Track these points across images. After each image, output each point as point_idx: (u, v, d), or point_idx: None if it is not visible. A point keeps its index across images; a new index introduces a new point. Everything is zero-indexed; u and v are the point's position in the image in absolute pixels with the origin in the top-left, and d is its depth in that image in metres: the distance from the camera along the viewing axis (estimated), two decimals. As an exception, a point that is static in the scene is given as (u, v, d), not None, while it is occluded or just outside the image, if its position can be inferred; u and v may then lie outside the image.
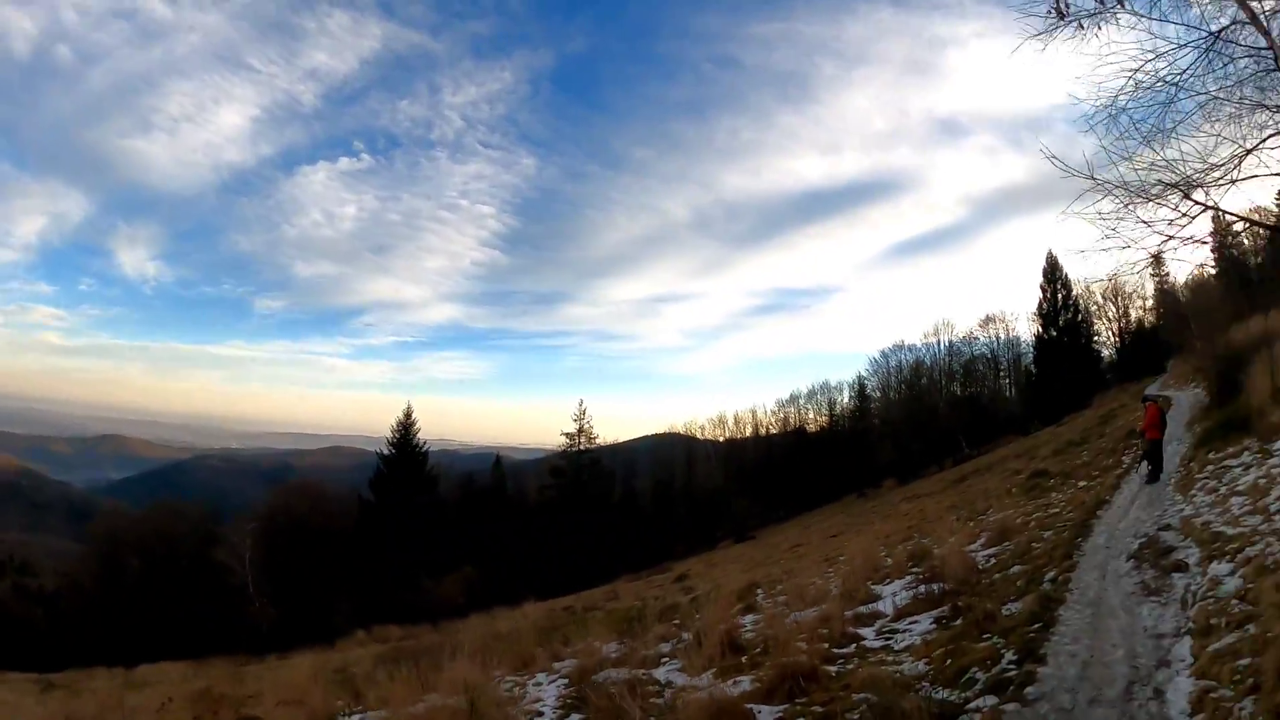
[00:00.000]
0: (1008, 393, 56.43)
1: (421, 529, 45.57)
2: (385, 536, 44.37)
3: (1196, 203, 4.83)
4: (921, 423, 53.30)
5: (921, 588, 8.98)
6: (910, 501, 31.80)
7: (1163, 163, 4.66)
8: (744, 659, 7.75)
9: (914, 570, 10.66)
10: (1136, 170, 4.71)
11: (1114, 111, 4.71)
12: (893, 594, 9.39)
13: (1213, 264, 44.75)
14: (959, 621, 7.40)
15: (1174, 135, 4.78)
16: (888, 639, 7.60)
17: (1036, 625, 6.87)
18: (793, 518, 50.41)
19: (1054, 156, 4.92)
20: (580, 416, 53.51)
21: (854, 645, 7.53)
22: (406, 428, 50.45)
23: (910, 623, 7.99)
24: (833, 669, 6.74)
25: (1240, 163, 4.72)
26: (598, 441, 55.26)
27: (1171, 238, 4.97)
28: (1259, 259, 44.41)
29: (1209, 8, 4.71)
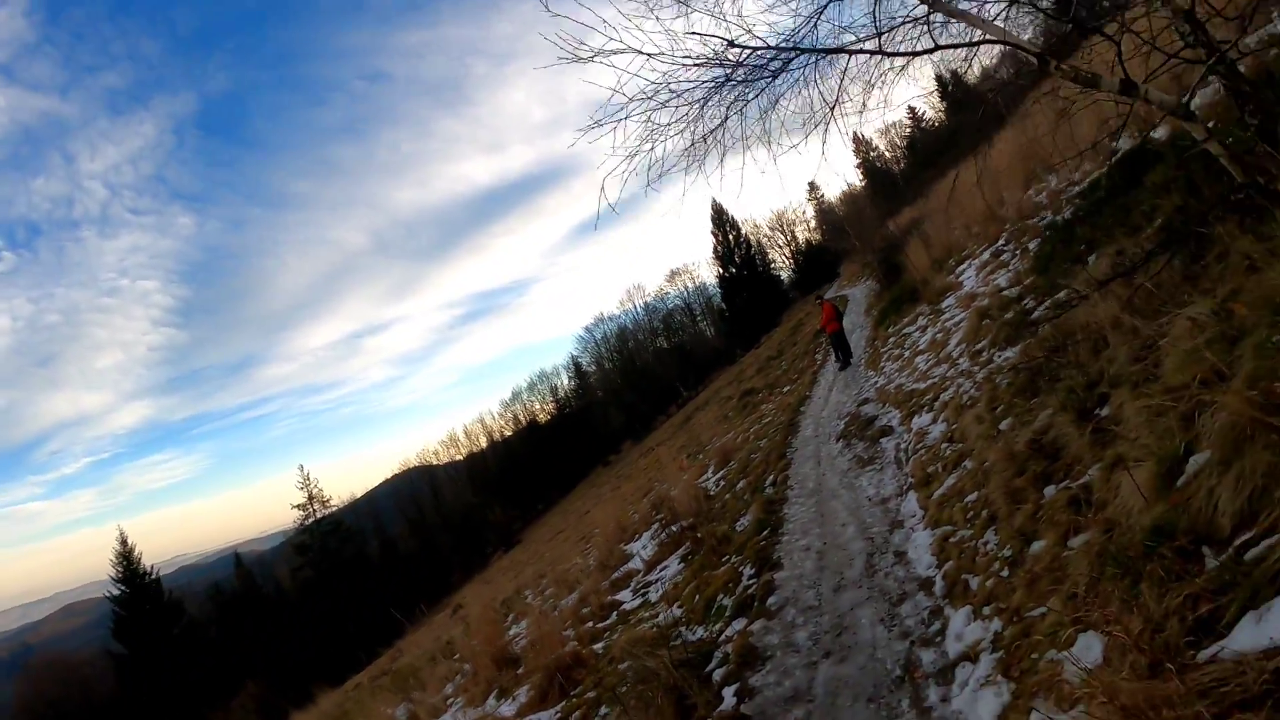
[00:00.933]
0: (708, 333, 63.80)
1: (185, 662, 43.01)
2: (152, 686, 41.00)
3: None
4: (639, 381, 59.43)
5: (664, 532, 9.48)
6: (646, 455, 34.27)
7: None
8: (520, 670, 7.74)
9: (657, 518, 11.14)
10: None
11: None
12: (642, 547, 10.00)
13: (861, 179, 54.98)
14: (702, 551, 7.59)
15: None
16: (644, 594, 7.91)
17: (765, 532, 6.72)
18: (552, 508, 53.72)
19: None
20: (306, 483, 52.69)
21: (614, 613, 7.79)
22: (127, 558, 45.93)
23: (661, 570, 8.41)
24: (599, 645, 6.88)
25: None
26: (332, 503, 54.96)
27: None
28: (900, 166, 55.31)
29: None
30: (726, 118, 4.88)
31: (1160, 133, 8.67)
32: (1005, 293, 8.47)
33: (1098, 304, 5.03)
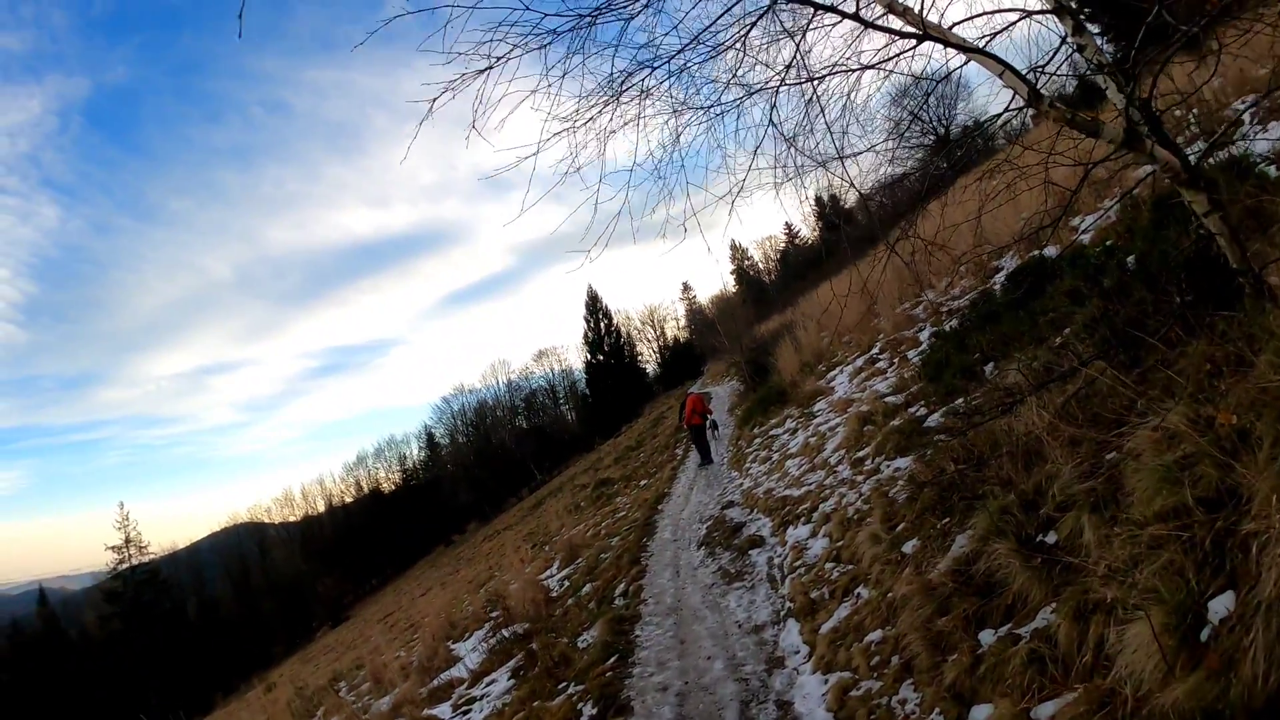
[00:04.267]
0: (569, 417, 62.77)
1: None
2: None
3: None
4: (493, 460, 56.78)
5: (496, 637, 8.42)
6: (492, 540, 32.21)
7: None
8: None
9: (492, 616, 10.24)
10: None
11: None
12: (472, 649, 8.89)
13: (734, 283, 57.07)
14: (535, 670, 6.37)
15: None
16: (465, 713, 6.75)
17: (614, 658, 5.43)
18: (387, 585, 50.90)
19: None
20: (124, 523, 47.60)
21: None
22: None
23: (488, 683, 7.21)
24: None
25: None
26: (151, 550, 49.76)
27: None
28: (771, 277, 57.81)
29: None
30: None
31: (1050, 250, 8.62)
32: (889, 399, 7.87)
33: (1021, 413, 4.29)
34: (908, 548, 4.33)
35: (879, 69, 4.14)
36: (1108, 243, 6.97)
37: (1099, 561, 3.05)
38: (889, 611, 3.93)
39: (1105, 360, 4.28)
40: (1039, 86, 3.11)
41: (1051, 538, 3.48)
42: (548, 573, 11.69)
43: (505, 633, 8.43)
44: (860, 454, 7.03)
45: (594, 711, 4.65)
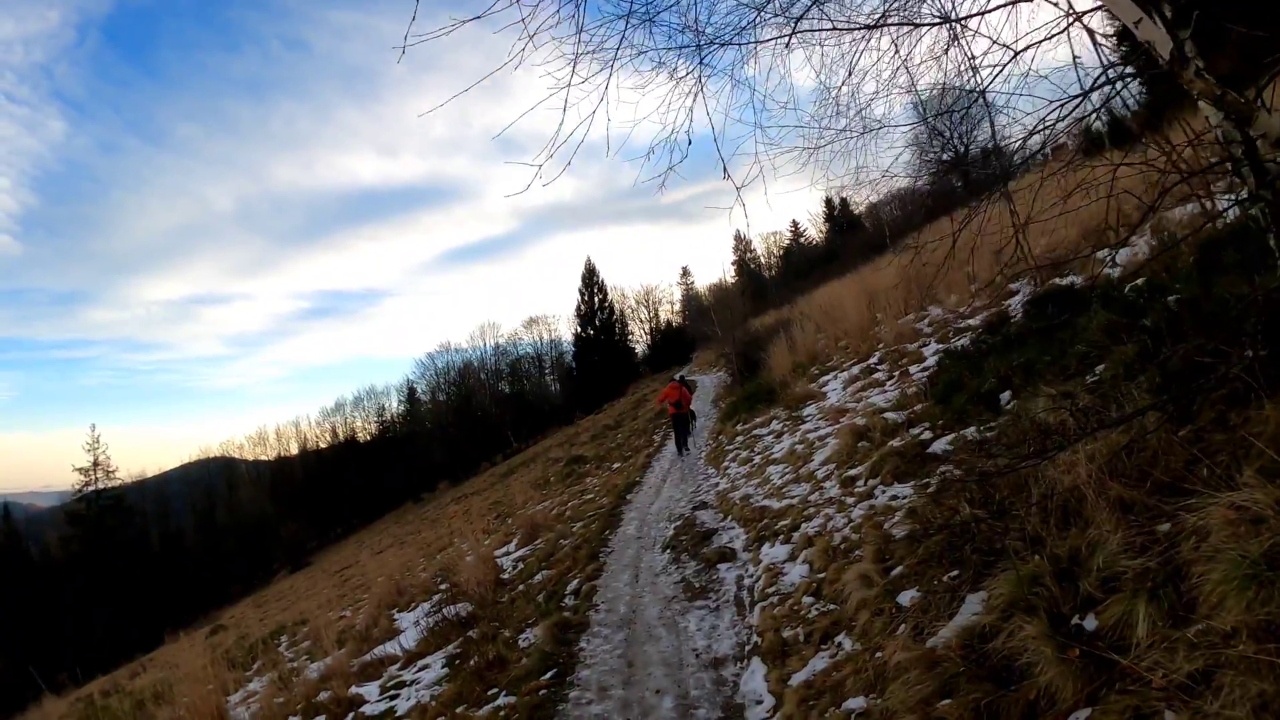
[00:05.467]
0: (552, 388, 62.09)
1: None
2: None
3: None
4: (471, 421, 56.17)
5: (441, 613, 7.82)
6: (459, 502, 31.55)
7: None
8: None
9: (440, 588, 9.74)
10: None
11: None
12: (413, 623, 8.39)
13: (734, 273, 56.40)
14: (469, 666, 5.76)
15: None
16: (393, 697, 6.15)
17: (551, 673, 4.77)
18: (352, 534, 50.03)
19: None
20: (94, 446, 46.85)
21: (351, 715, 6.07)
22: None
23: (420, 668, 6.64)
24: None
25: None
26: (118, 476, 49.13)
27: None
28: (772, 273, 57.09)
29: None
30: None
31: (1077, 279, 7.95)
32: (888, 415, 7.20)
33: (1059, 460, 3.62)
34: (905, 599, 3.68)
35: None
36: (1139, 280, 6.33)
37: (1155, 669, 2.41)
38: (876, 676, 3.27)
39: (1159, 411, 3.63)
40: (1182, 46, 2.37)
41: (1091, 623, 2.83)
42: (505, 549, 11.07)
43: (449, 611, 7.81)
44: (852, 472, 6.37)
45: (518, 738, 4.00)
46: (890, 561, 4.12)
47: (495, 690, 5.00)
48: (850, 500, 5.77)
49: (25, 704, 22.65)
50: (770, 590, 4.99)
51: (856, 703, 3.21)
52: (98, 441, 47.99)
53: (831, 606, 4.24)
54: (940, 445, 5.58)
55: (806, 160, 4.45)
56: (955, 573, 3.56)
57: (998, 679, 2.83)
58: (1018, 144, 3.93)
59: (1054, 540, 3.31)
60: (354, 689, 6.74)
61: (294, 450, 65.68)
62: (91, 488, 47.56)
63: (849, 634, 3.83)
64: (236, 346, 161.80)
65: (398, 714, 5.73)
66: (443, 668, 6.32)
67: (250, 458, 66.50)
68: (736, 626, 4.79)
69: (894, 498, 5.23)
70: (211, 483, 61.77)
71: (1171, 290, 5.59)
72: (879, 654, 3.42)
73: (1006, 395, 5.86)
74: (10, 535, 48.06)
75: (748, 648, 4.39)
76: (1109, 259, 6.99)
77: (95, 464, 47.66)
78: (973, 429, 5.56)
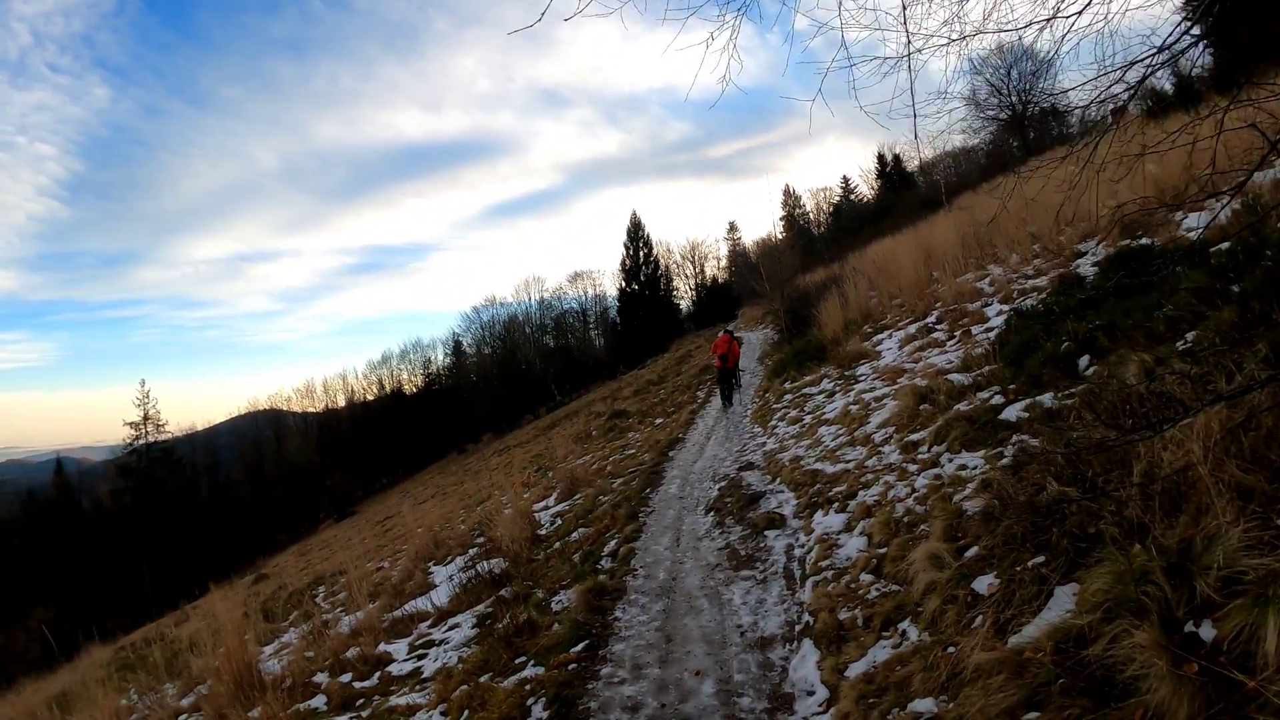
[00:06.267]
0: (596, 343, 61.92)
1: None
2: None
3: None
4: (516, 374, 56.58)
5: (476, 569, 7.64)
6: (502, 454, 31.67)
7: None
8: (269, 697, 5.79)
9: (477, 541, 9.67)
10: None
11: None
12: (447, 578, 8.20)
13: (782, 230, 55.03)
14: (498, 630, 5.45)
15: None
16: (420, 657, 5.99)
17: (583, 644, 4.49)
18: (397, 485, 50.84)
19: None
20: (144, 400, 48.38)
21: (378, 675, 5.91)
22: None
23: (451, 627, 6.46)
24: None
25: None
26: (168, 429, 51.02)
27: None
28: (821, 229, 55.58)
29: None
30: None
31: (1152, 241, 7.27)
32: (953, 377, 6.69)
33: (1169, 436, 3.13)
34: (981, 585, 3.26)
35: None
36: (1223, 244, 5.66)
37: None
38: (949, 674, 2.89)
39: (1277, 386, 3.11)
40: None
41: (1208, 631, 2.40)
42: (543, 503, 10.94)
43: (483, 568, 7.63)
44: (914, 437, 5.92)
45: (544, 715, 3.73)
46: (963, 541, 3.70)
47: (523, 659, 4.75)
48: (913, 468, 5.33)
49: (76, 651, 23.38)
50: (824, 564, 4.62)
51: (925, 705, 2.83)
52: (148, 396, 49.31)
53: (895, 587, 3.85)
54: (1013, 412, 5.08)
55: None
56: (1041, 559, 3.13)
57: (1097, 692, 2.41)
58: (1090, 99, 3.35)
59: (1161, 529, 2.86)
60: (382, 646, 6.69)
61: (341, 402, 66.64)
62: (142, 441, 49.18)
63: (915, 621, 3.44)
64: (284, 302, 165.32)
65: (423, 675, 5.55)
66: (473, 628, 6.14)
67: (298, 410, 67.44)
68: (786, 602, 4.44)
69: (963, 467, 4.78)
70: (259, 435, 62.93)
71: (1262, 256, 4.95)
72: (951, 649, 3.03)
73: (1085, 360, 5.32)
74: (62, 488, 50.28)
75: (798, 628, 4.04)
76: (1212, 209, 6.28)
77: (145, 418, 49.26)
78: (1049, 395, 5.05)
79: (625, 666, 4.02)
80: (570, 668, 4.17)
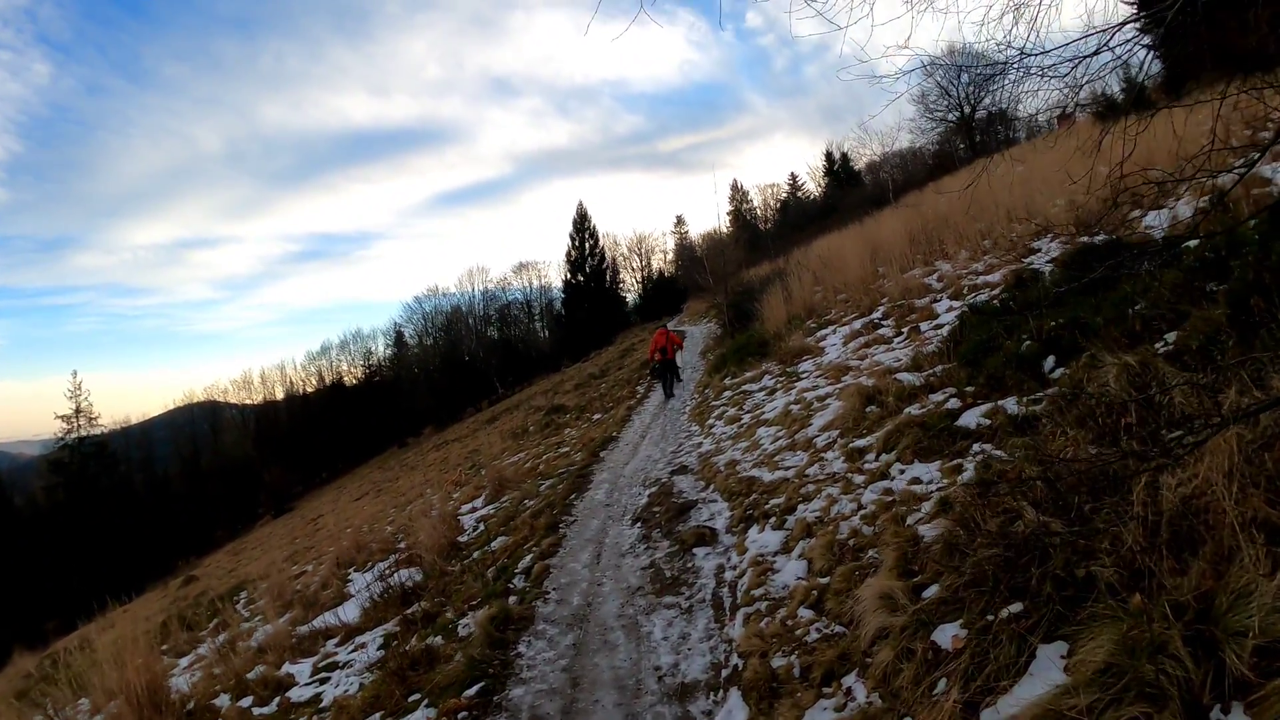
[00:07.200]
0: (541, 335, 60.87)
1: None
2: None
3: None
4: (458, 366, 55.43)
5: (386, 583, 7.16)
6: (440, 449, 30.84)
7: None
8: None
9: (399, 546, 9.20)
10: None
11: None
12: (362, 589, 7.69)
13: (729, 224, 54.83)
14: (393, 660, 4.83)
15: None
16: (323, 681, 5.49)
17: (479, 686, 3.78)
18: (336, 479, 49.53)
19: None
20: (76, 393, 46.22)
21: (278, 700, 5.42)
22: None
23: (356, 647, 5.95)
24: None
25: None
26: (101, 422, 48.54)
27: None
28: (768, 225, 55.50)
29: None
30: None
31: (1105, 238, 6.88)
32: (902, 377, 6.16)
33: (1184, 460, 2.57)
34: (944, 637, 2.65)
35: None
36: (1191, 242, 5.24)
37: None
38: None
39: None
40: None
41: (1240, 717, 1.84)
42: (472, 505, 10.26)
43: (396, 579, 7.06)
44: (860, 443, 5.35)
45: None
46: (920, 577, 3.10)
47: (417, 696, 4.05)
48: (859, 479, 4.75)
49: (6, 659, 21.88)
50: (757, 592, 3.99)
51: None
52: (80, 388, 47.32)
53: (839, 629, 3.23)
54: (972, 418, 4.54)
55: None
56: (1019, 607, 2.53)
57: (1107, 805, 1.82)
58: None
59: (1167, 574, 2.29)
60: (287, 667, 6.14)
61: (280, 394, 64.52)
62: (74, 435, 46.89)
63: (863, 677, 2.82)
64: (225, 290, 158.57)
65: (321, 705, 4.93)
66: (378, 649, 5.53)
67: (236, 402, 65.43)
68: (713, 638, 3.79)
69: (916, 481, 4.21)
70: (196, 428, 60.97)
71: (1238, 254, 4.52)
72: (907, 717, 2.42)
73: (1051, 361, 4.82)
74: (-5, 485, 47.25)
75: (725, 673, 3.40)
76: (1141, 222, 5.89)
77: (78, 411, 47.03)
78: (1013, 400, 4.52)
79: (523, 716, 3.31)
80: (460, 716, 3.44)
